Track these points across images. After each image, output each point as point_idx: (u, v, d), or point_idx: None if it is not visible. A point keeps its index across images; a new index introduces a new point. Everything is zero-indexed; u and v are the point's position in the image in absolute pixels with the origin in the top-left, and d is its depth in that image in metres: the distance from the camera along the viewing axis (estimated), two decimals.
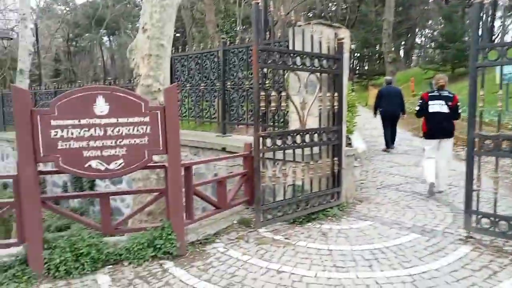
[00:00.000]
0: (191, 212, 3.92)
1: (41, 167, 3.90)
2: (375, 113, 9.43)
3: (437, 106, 5.38)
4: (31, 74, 21.39)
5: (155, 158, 4.12)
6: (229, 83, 6.14)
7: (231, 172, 5.29)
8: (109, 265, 3.30)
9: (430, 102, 5.48)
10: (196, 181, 4.14)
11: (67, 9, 38.67)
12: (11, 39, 13.68)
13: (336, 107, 4.51)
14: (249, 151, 4.87)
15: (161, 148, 3.41)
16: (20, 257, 3.07)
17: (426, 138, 5.55)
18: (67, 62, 36.64)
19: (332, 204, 4.63)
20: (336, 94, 4.49)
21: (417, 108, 5.82)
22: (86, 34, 39.29)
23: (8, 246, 3.31)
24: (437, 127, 5.39)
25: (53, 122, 3.09)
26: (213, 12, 16.58)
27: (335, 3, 37.51)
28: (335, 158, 4.61)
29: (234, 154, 4.90)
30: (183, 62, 7.00)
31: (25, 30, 8.92)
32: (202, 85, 6.64)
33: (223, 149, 5.48)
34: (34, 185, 3.06)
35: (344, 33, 4.73)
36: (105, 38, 42.42)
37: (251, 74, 5.80)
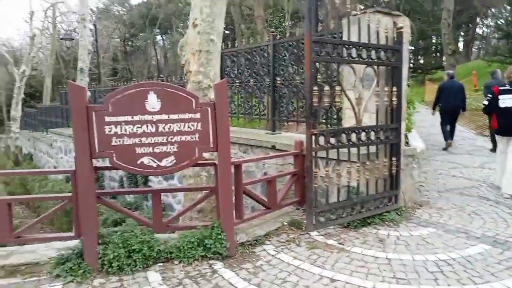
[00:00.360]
0: (241, 212, 3.83)
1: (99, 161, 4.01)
2: (434, 109, 8.87)
3: (509, 101, 4.91)
4: (91, 73, 22.61)
5: (205, 155, 4.08)
6: (279, 79, 5.97)
7: (281, 171, 5.14)
8: (160, 262, 3.29)
9: (500, 97, 5.01)
10: (245, 179, 4.04)
11: (123, 10, 40.48)
12: (73, 39, 14.49)
13: (394, 103, 4.19)
14: (300, 150, 4.69)
15: (211, 146, 3.34)
16: (77, 251, 3.14)
17: (498, 134, 5.24)
18: (123, 61, 38.41)
19: (389, 208, 4.32)
20: (394, 89, 4.17)
21: (485, 103, 5.34)
22: (141, 34, 40.90)
23: (66, 239, 3.41)
24: (509, 123, 4.94)
25: (107, 119, 3.12)
26: (262, 7, 16.47)
27: None
28: (393, 158, 4.29)
29: (285, 153, 4.74)
30: (233, 58, 6.94)
31: (84, 30, 9.36)
32: (251, 81, 6.53)
33: (273, 147, 5.34)
34: (90, 181, 3.12)
35: (404, 22, 4.38)
36: (158, 37, 43.91)
37: (302, 69, 5.60)
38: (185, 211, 3.87)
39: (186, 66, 5.27)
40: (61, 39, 17.63)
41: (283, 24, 17.52)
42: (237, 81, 6.86)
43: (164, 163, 3.26)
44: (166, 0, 37.38)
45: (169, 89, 3.23)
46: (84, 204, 3.12)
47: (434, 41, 33.04)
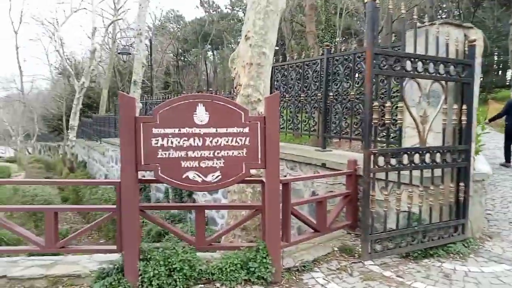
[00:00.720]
0: (288, 234, 3.56)
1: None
2: (490, 121, 8.87)
3: None
4: (145, 85, 23.60)
5: (252, 171, 3.89)
6: (331, 94, 5.68)
7: (331, 191, 4.82)
8: (201, 284, 3.10)
9: None
10: (293, 198, 3.78)
11: (178, 26, 42.20)
12: (129, 54, 15.13)
13: (464, 122, 3.75)
14: (353, 169, 4.36)
15: (259, 162, 3.13)
16: (117, 265, 3.04)
17: None
18: (175, 75, 39.80)
19: (455, 238, 3.85)
20: (464, 107, 3.74)
21: None
22: (193, 49, 42.33)
23: (108, 252, 3.34)
24: None
25: (154, 130, 3.03)
26: (314, 23, 16.27)
27: (445, 10, 34.36)
28: (461, 184, 3.83)
29: (337, 172, 4.43)
30: (283, 72, 6.76)
31: (140, 44, 9.68)
32: (302, 95, 6.30)
33: (323, 165, 5.03)
34: (134, 194, 3.02)
35: (476, 34, 3.96)
36: (209, 53, 45.20)
37: (357, 83, 5.29)
38: (229, 230, 3.67)
39: (236, 79, 5.16)
40: (119, 53, 18.61)
41: (334, 40, 17.19)
42: (286, 95, 6.66)
43: (209, 178, 3.10)
44: (218, 17, 38.47)
45: (218, 102, 3.09)
46: (127, 217, 3.02)
47: (496, 58, 30.97)
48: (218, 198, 7.43)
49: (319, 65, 5.92)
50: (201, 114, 3.06)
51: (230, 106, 3.09)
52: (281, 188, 3.42)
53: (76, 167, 19.31)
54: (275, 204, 3.19)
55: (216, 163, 3.09)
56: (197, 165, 3.08)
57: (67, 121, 21.89)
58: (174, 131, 3.05)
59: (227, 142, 3.09)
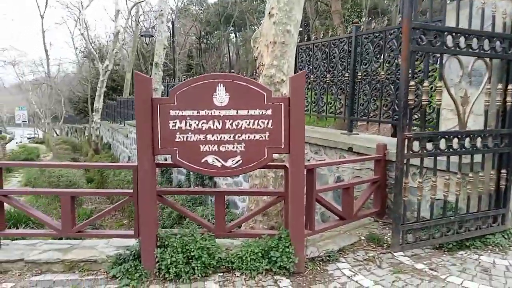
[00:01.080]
0: (312, 222, 3.37)
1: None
2: None
3: None
4: (168, 68, 23.56)
5: (273, 155, 3.70)
6: (360, 74, 5.36)
7: (358, 177, 4.58)
8: (220, 272, 2.98)
9: None
10: (317, 184, 3.57)
11: (201, 9, 41.78)
12: (152, 36, 15.03)
13: (508, 104, 3.41)
14: (383, 154, 4.10)
15: (282, 146, 2.93)
16: (134, 252, 2.95)
17: None
18: (198, 57, 39.66)
19: (494, 229, 3.56)
20: (510, 87, 3.39)
21: None
22: (216, 32, 41.93)
23: (125, 237, 3.25)
24: None
25: (172, 112, 2.87)
26: (339, 1, 15.64)
27: None
28: (502, 171, 3.51)
29: (365, 157, 4.17)
30: (308, 52, 6.45)
31: (161, 25, 9.51)
32: (327, 76, 5.99)
33: (350, 149, 4.78)
34: (151, 178, 2.89)
35: None
36: (232, 35, 44.70)
37: (388, 63, 4.95)
38: (250, 217, 3.51)
39: (258, 59, 4.92)
40: (141, 35, 18.56)
41: (361, 20, 16.52)
42: (311, 77, 6.37)
43: (229, 163, 2.92)
44: None
45: (239, 82, 2.88)
46: (144, 203, 2.91)
47: None
48: (239, 181, 7.30)
49: (346, 44, 5.58)
50: (221, 95, 2.87)
51: (252, 86, 2.88)
52: (305, 174, 3.22)
53: (101, 149, 19.67)
54: (299, 191, 3.00)
55: (237, 147, 2.91)
56: (217, 149, 2.91)
57: (92, 103, 22.23)
58: (193, 113, 2.88)
59: (248, 125, 2.89)
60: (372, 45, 5.13)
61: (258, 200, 4.80)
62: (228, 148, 2.91)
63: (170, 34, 17.34)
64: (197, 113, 2.88)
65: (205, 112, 2.88)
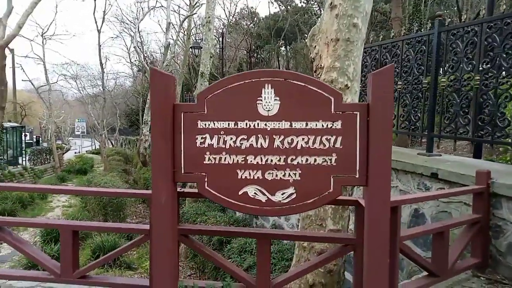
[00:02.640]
0: (394, 279, 2.38)
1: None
2: None
3: None
4: (216, 80, 23.36)
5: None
6: (444, 79, 4.28)
7: (445, 212, 3.50)
8: None
9: None
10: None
11: (252, 24, 41.88)
12: (201, 48, 14.71)
13: None
14: (485, 185, 3.02)
15: (357, 175, 2.00)
16: None
17: None
18: (247, 70, 39.59)
19: None
20: None
21: None
22: (266, 45, 41.70)
23: (138, 287, 2.46)
24: None
25: (200, 124, 2.06)
26: (400, 8, 14.41)
27: None
28: None
29: (463, 189, 3.09)
30: (374, 55, 5.46)
31: (208, 33, 8.99)
32: (399, 83, 4.95)
33: (433, 176, 3.71)
34: (169, 214, 2.09)
35: None
36: (282, 48, 44.26)
37: (486, 64, 3.83)
38: (303, 273, 2.55)
39: (315, 61, 4.03)
40: (191, 47, 18.43)
41: (423, 29, 15.12)
42: None
43: (278, 197, 2.04)
44: (292, 12, 37.26)
45: (294, 81, 2.01)
46: (159, 247, 2.10)
47: None
48: None
49: (425, 44, 4.53)
50: (268, 100, 2.02)
51: (313, 87, 2.00)
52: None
53: (149, 161, 19.63)
54: (382, 240, 2.03)
55: (289, 175, 2.03)
56: (261, 177, 2.05)
57: (142, 116, 22.48)
58: (229, 125, 2.05)
59: (306, 143, 2.01)
60: (462, 43, 4.04)
61: (313, 245, 3.86)
62: (276, 175, 2.04)
63: (220, 47, 17.01)
64: (234, 125, 2.05)
65: (246, 124, 2.04)
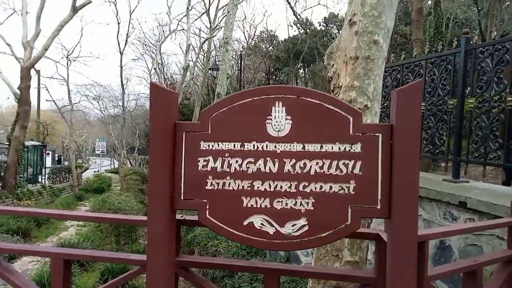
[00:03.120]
0: None
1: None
2: None
3: None
4: None
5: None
6: (472, 100, 4.00)
7: (475, 245, 3.16)
8: None
9: None
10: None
11: (271, 46, 42.34)
12: (218, 69, 14.77)
13: None
14: None
15: (378, 206, 1.75)
16: None
17: None
18: None
19: None
20: None
21: None
22: (285, 68, 41.95)
23: None
24: None
25: (203, 145, 1.86)
26: (421, 29, 14.20)
27: None
28: None
29: (496, 221, 2.77)
30: (395, 75, 5.22)
31: (226, 53, 8.97)
32: (423, 104, 4.68)
33: (461, 204, 3.39)
34: (166, 245, 1.87)
35: None
36: (301, 71, 44.43)
37: None
38: None
39: (333, 80, 3.82)
40: (209, 69, 18.60)
41: (443, 48, 14.84)
42: None
43: (287, 229, 1.80)
44: (311, 35, 37.55)
45: (308, 99, 1.80)
46: (155, 280, 1.88)
47: None
48: None
49: (451, 63, 4.28)
50: (279, 119, 1.81)
51: (329, 106, 1.78)
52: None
53: None
54: (408, 281, 1.75)
55: (301, 204, 1.80)
56: (268, 205, 1.82)
57: None
58: (234, 146, 1.84)
59: (321, 168, 1.78)
60: (491, 62, 3.77)
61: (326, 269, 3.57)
62: (286, 204, 1.80)
63: (239, 68, 17.10)
64: (240, 146, 1.84)
65: (253, 146, 1.83)
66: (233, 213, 1.83)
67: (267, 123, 1.82)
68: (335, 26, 41.13)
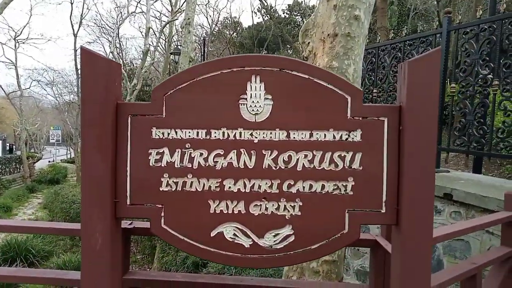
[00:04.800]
0: None
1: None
2: None
3: None
4: None
5: None
6: (454, 85, 3.75)
7: (463, 241, 2.92)
8: None
9: None
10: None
11: (235, 33, 41.51)
12: (180, 53, 14.08)
13: None
14: None
15: (382, 210, 1.38)
16: None
17: None
18: None
19: None
20: None
21: None
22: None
23: None
24: None
25: (156, 132, 1.41)
26: (386, 17, 14.19)
27: None
28: None
29: (494, 216, 2.51)
30: (370, 58, 4.92)
31: (187, 35, 8.37)
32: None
33: (446, 197, 3.15)
34: (108, 261, 1.41)
35: None
36: None
37: (507, 67, 3.32)
38: None
39: (309, 60, 3.43)
40: (171, 53, 17.74)
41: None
42: (374, 91, 4.81)
43: (268, 240, 1.40)
44: (276, 22, 37.12)
45: (293, 72, 1.39)
46: None
47: None
48: None
49: (431, 45, 4.00)
50: (256, 99, 1.39)
51: (320, 81, 1.38)
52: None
53: None
54: None
55: (285, 208, 1.39)
56: (243, 211, 1.40)
57: None
58: (198, 134, 1.40)
59: (310, 162, 1.38)
60: (475, 45, 3.52)
61: (304, 268, 3.26)
62: (266, 209, 1.40)
63: (202, 54, 16.40)
64: (206, 134, 1.40)
65: (223, 134, 1.40)
66: (197, 222, 1.40)
67: (241, 104, 1.39)
68: (299, 15, 40.98)
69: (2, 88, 28.23)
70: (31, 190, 20.44)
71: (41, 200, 17.81)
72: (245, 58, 1.41)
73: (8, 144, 39.16)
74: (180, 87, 1.41)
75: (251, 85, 1.38)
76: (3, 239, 10.95)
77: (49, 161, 38.10)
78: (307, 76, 1.38)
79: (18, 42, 25.79)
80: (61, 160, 42.47)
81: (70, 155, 44.86)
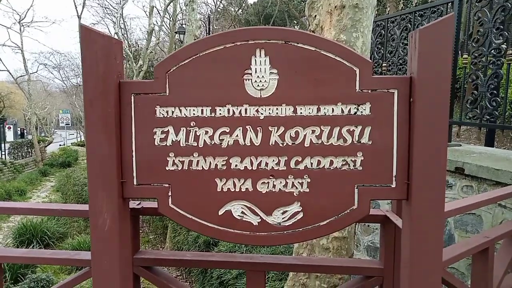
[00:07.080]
0: None
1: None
2: None
3: None
4: None
5: None
6: (466, 56, 3.63)
7: (475, 215, 2.89)
8: None
9: None
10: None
11: (240, 10, 40.81)
12: (185, 32, 13.89)
13: None
14: None
15: (393, 185, 1.35)
16: None
17: None
18: None
19: None
20: None
21: None
22: None
23: None
24: None
25: (160, 111, 1.38)
26: None
27: None
28: None
29: (504, 190, 2.46)
30: (379, 31, 4.78)
31: (192, 13, 8.22)
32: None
33: (457, 170, 3.10)
34: (116, 241, 1.41)
35: None
36: None
37: None
38: None
39: (316, 33, 3.37)
40: (176, 32, 17.55)
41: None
42: (383, 64, 4.70)
43: (276, 218, 1.38)
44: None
45: (300, 45, 1.33)
46: (104, 286, 1.43)
47: None
48: None
49: (443, 14, 3.87)
50: (261, 74, 1.34)
51: (327, 53, 1.32)
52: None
53: None
54: (427, 270, 1.38)
55: (293, 185, 1.37)
56: (250, 189, 1.38)
57: None
58: (203, 112, 1.37)
59: (318, 137, 1.35)
60: (489, 12, 3.38)
61: (313, 244, 3.27)
62: (274, 186, 1.37)
63: (207, 32, 16.18)
64: (211, 112, 1.37)
65: (228, 111, 1.36)
66: (205, 201, 1.39)
67: (246, 79, 1.35)
68: None
69: (10, 73, 28.37)
70: (44, 174, 20.80)
71: (53, 183, 18.12)
72: (249, 31, 1.36)
73: (19, 129, 39.64)
74: (182, 63, 1.37)
75: (255, 60, 1.34)
76: (19, 222, 11.22)
77: (60, 145, 38.57)
78: (313, 48, 1.32)
79: (23, 25, 25.72)
80: (71, 143, 42.97)
81: (80, 138, 45.39)
